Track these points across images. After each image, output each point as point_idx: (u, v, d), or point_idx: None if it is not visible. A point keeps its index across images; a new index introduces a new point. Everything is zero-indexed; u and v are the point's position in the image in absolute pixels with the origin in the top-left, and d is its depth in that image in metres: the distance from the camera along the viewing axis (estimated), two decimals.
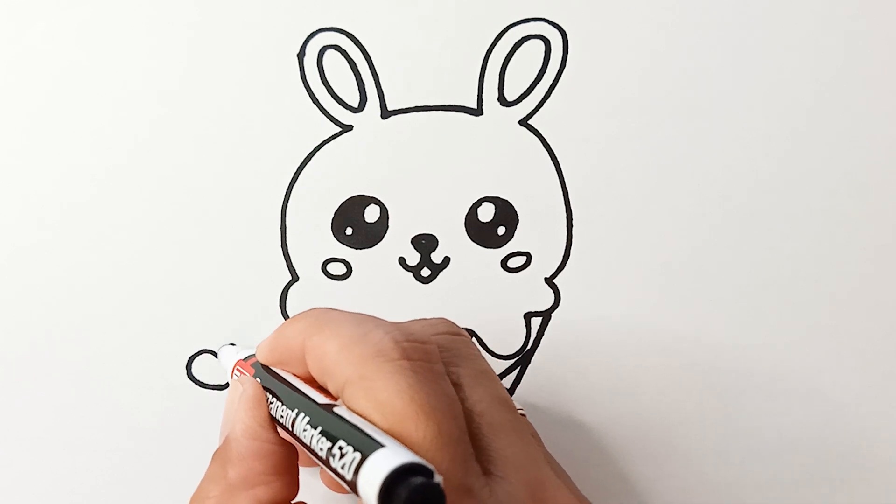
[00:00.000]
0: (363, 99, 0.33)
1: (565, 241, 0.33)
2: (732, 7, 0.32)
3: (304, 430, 0.22)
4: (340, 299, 0.33)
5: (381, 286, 0.33)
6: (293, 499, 0.25)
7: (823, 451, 0.32)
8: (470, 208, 0.33)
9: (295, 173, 0.32)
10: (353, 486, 0.19)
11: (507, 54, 0.32)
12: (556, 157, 0.33)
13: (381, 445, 0.19)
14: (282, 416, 0.24)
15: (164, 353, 0.32)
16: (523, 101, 0.33)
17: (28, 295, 0.32)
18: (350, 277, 0.33)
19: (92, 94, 0.32)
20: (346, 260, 0.33)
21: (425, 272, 0.33)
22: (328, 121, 0.33)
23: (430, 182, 0.33)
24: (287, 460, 0.25)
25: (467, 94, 0.33)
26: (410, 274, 0.33)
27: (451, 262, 0.33)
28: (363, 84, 0.33)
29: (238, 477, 0.24)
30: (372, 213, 0.33)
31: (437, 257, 0.33)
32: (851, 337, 0.33)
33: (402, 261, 0.33)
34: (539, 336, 0.33)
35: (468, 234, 0.33)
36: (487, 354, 0.33)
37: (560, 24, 0.32)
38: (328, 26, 0.33)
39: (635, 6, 0.32)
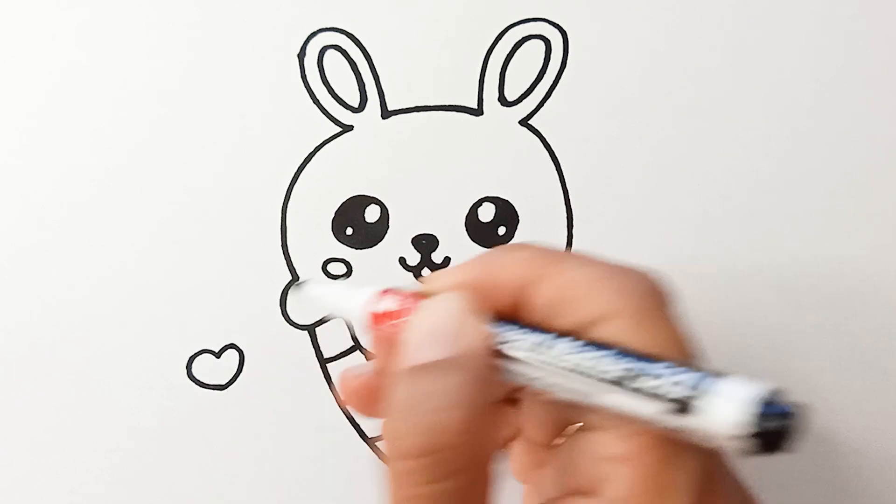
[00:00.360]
0: (363, 99, 0.33)
1: (565, 241, 0.33)
2: (732, 7, 0.32)
3: (570, 360, 0.20)
4: None
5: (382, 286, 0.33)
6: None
7: (823, 451, 0.32)
8: (470, 208, 0.33)
9: (295, 173, 0.32)
10: (681, 409, 0.17)
11: (508, 54, 0.32)
12: (556, 157, 0.33)
13: (712, 377, 0.18)
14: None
15: (164, 353, 0.32)
16: (523, 101, 0.33)
17: (28, 295, 0.32)
18: (350, 277, 0.33)
19: (92, 95, 0.32)
20: (346, 260, 0.33)
21: (425, 272, 0.33)
22: (328, 121, 0.33)
23: (431, 182, 0.33)
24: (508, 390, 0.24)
25: (467, 94, 0.33)
26: (411, 274, 0.33)
27: (451, 263, 0.33)
28: (363, 84, 0.33)
29: (487, 395, 0.21)
30: (372, 213, 0.33)
31: (437, 257, 0.33)
32: (852, 337, 0.33)
33: (402, 261, 0.33)
34: None
35: (468, 235, 0.33)
36: None
37: (560, 24, 0.32)
38: (328, 26, 0.33)
39: (635, 6, 0.32)
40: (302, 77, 0.33)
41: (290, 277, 0.33)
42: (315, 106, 0.33)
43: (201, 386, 0.33)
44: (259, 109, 0.32)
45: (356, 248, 0.33)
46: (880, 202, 0.33)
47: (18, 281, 0.32)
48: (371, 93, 0.32)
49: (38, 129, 0.33)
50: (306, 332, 0.33)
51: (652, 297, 0.21)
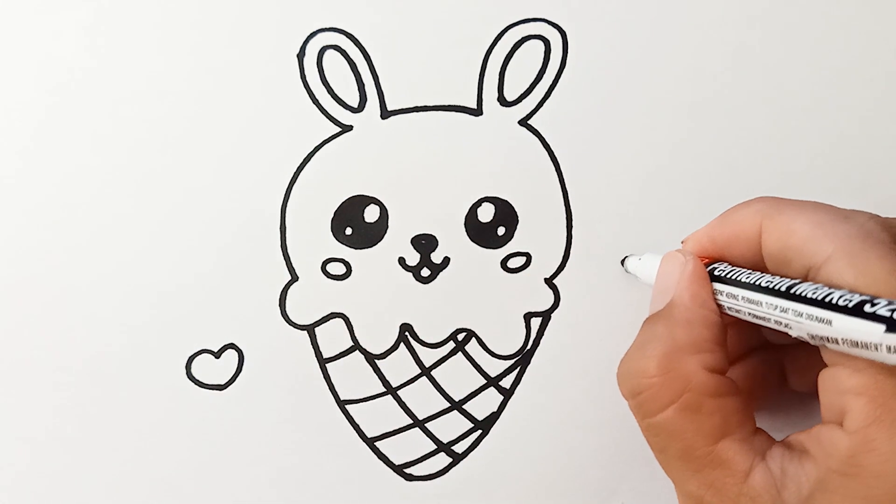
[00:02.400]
0: (363, 99, 0.33)
1: (565, 241, 0.33)
2: (732, 7, 0.32)
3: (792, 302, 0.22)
4: (340, 299, 0.33)
5: (381, 286, 0.33)
6: (726, 372, 0.25)
7: None
8: (470, 208, 0.33)
9: (295, 173, 0.32)
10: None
11: (507, 54, 0.32)
12: (556, 157, 0.33)
13: None
14: (729, 296, 0.25)
15: (163, 353, 0.32)
16: (523, 101, 0.33)
17: (28, 295, 0.32)
18: (350, 277, 0.33)
19: (92, 95, 0.33)
20: (346, 260, 0.33)
21: (425, 272, 0.33)
22: (328, 121, 0.33)
23: (430, 182, 0.33)
24: (724, 335, 0.26)
25: (467, 94, 0.33)
26: (410, 274, 0.33)
27: (451, 263, 0.33)
28: (363, 84, 0.33)
29: (687, 339, 0.25)
30: (372, 213, 0.33)
31: (436, 257, 0.33)
32: None
33: (401, 261, 0.33)
34: (539, 336, 0.33)
35: (468, 235, 0.33)
36: (487, 355, 0.33)
37: (560, 24, 0.32)
38: (328, 26, 0.33)
39: (635, 6, 0.32)
40: (301, 77, 0.33)
41: (290, 277, 0.33)
42: (314, 106, 0.33)
43: (200, 386, 0.33)
44: (259, 109, 0.33)
45: (355, 248, 0.33)
46: (880, 202, 0.33)
47: (18, 281, 0.32)
48: (370, 93, 0.32)
49: (38, 129, 0.33)
50: (306, 332, 0.33)
51: (866, 238, 0.22)
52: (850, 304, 0.21)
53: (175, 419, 0.33)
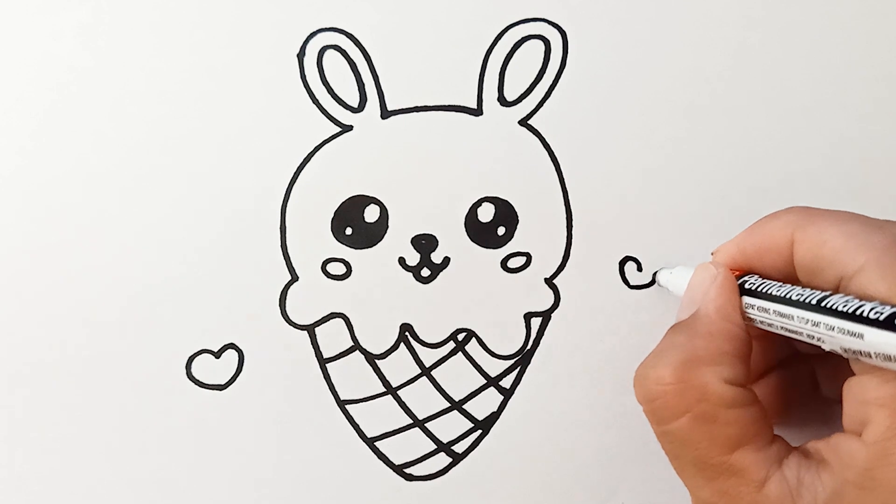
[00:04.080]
0: (363, 99, 0.33)
1: (565, 241, 0.33)
2: (732, 7, 0.32)
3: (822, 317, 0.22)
4: (340, 299, 0.33)
5: (381, 286, 0.33)
6: (747, 384, 0.25)
7: None
8: (470, 208, 0.33)
9: (295, 173, 0.32)
10: None
11: (507, 54, 0.32)
12: (556, 157, 0.33)
13: None
14: (760, 309, 0.25)
15: (163, 353, 0.32)
16: (523, 101, 0.33)
17: (28, 295, 0.32)
18: (350, 277, 0.33)
19: (92, 95, 0.32)
20: (346, 260, 0.33)
21: (425, 272, 0.33)
22: (328, 121, 0.33)
23: (430, 182, 0.33)
24: (749, 349, 0.26)
25: (467, 94, 0.33)
26: (410, 274, 0.33)
27: (451, 263, 0.33)
28: (363, 84, 0.33)
29: (706, 351, 0.25)
30: (372, 213, 0.33)
31: (437, 257, 0.33)
32: None
33: (401, 261, 0.33)
34: (539, 336, 0.33)
35: (468, 235, 0.33)
36: (487, 355, 0.33)
37: (560, 24, 0.32)
38: (328, 26, 0.33)
39: (635, 6, 0.32)
40: (301, 77, 0.33)
41: (290, 277, 0.33)
42: (314, 106, 0.33)
43: (201, 386, 0.33)
44: (259, 109, 0.32)
45: (355, 248, 0.33)
46: (880, 202, 0.33)
47: (17, 280, 0.32)
48: (370, 93, 0.32)
49: (37, 129, 0.33)
50: (306, 332, 0.33)
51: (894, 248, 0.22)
52: (882, 317, 0.20)
53: (175, 419, 0.33)
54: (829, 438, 0.23)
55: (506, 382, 0.33)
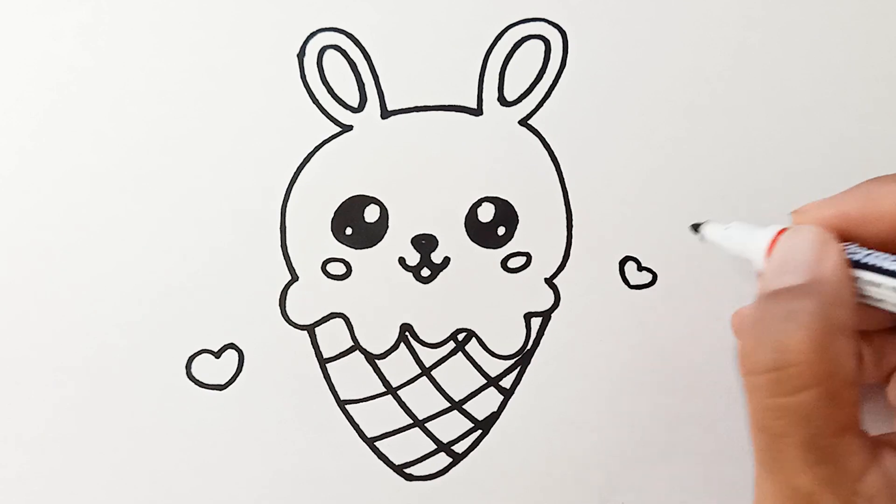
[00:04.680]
0: (363, 99, 0.33)
1: (565, 241, 0.33)
2: (732, 7, 0.32)
3: None
4: (340, 299, 0.33)
5: (381, 286, 0.33)
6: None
7: None
8: (470, 208, 0.33)
9: (295, 173, 0.32)
10: None
11: (507, 54, 0.32)
12: (556, 157, 0.33)
13: None
14: (868, 283, 0.23)
15: (163, 353, 0.32)
16: (523, 101, 0.33)
17: (28, 295, 0.32)
18: (350, 277, 0.33)
19: (92, 94, 0.32)
20: (346, 260, 0.33)
21: (425, 272, 0.33)
22: (328, 121, 0.33)
23: (430, 182, 0.33)
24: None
25: (467, 94, 0.33)
26: (410, 274, 0.33)
27: (451, 263, 0.33)
28: (363, 84, 0.33)
29: (842, 320, 0.23)
30: (372, 213, 0.33)
31: (437, 257, 0.33)
32: None
33: (402, 261, 0.33)
34: (539, 336, 0.33)
35: (468, 235, 0.33)
36: (488, 355, 0.33)
37: (560, 24, 0.32)
38: (328, 26, 0.33)
39: (635, 6, 0.32)
40: (301, 77, 0.33)
41: (290, 277, 0.33)
42: (314, 106, 0.33)
43: (201, 386, 0.33)
44: (258, 109, 0.33)
45: (356, 248, 0.33)
46: None
47: (17, 280, 0.32)
48: (370, 93, 0.32)
49: (37, 129, 0.33)
50: (306, 332, 0.33)
51: None
52: None
53: (175, 419, 0.33)
54: None
55: (506, 382, 0.33)
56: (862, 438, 0.22)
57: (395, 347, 0.33)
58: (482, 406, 0.33)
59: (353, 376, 0.33)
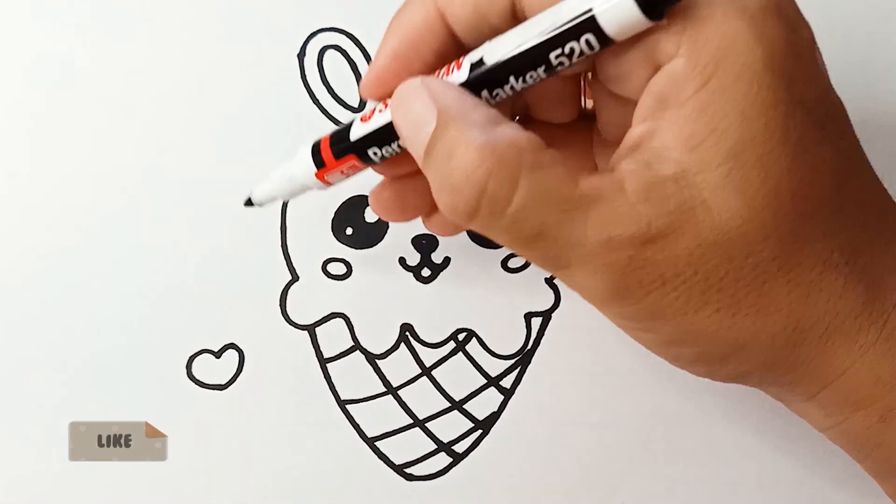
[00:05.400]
0: (363, 99, 0.33)
1: None
2: None
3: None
4: (341, 299, 0.33)
5: (381, 286, 0.33)
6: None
7: (824, 450, 0.32)
8: None
9: None
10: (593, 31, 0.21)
11: None
12: None
13: None
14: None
15: (163, 353, 0.32)
16: None
17: (28, 295, 0.32)
18: (350, 277, 0.33)
19: (92, 95, 0.33)
20: (346, 260, 0.33)
21: (425, 272, 0.33)
22: (328, 121, 0.33)
23: None
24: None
25: None
26: (410, 274, 0.33)
27: (451, 262, 0.33)
28: None
29: (483, 119, 0.22)
30: (372, 213, 0.33)
31: (437, 257, 0.33)
32: None
33: (402, 261, 0.33)
34: (539, 336, 0.33)
35: (468, 234, 0.33)
36: (488, 355, 0.33)
37: None
38: (328, 26, 0.33)
39: None
40: (302, 77, 0.33)
41: (290, 277, 0.33)
42: (315, 106, 0.33)
43: (201, 386, 0.33)
44: (259, 109, 0.33)
45: (356, 248, 0.33)
46: None
47: (18, 281, 0.32)
48: None
49: (37, 129, 0.33)
50: (306, 332, 0.33)
51: None
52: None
53: (175, 419, 0.32)
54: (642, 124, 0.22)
55: (506, 382, 0.33)
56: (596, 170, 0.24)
57: (395, 347, 0.33)
58: (482, 406, 0.33)
59: (354, 376, 0.33)
